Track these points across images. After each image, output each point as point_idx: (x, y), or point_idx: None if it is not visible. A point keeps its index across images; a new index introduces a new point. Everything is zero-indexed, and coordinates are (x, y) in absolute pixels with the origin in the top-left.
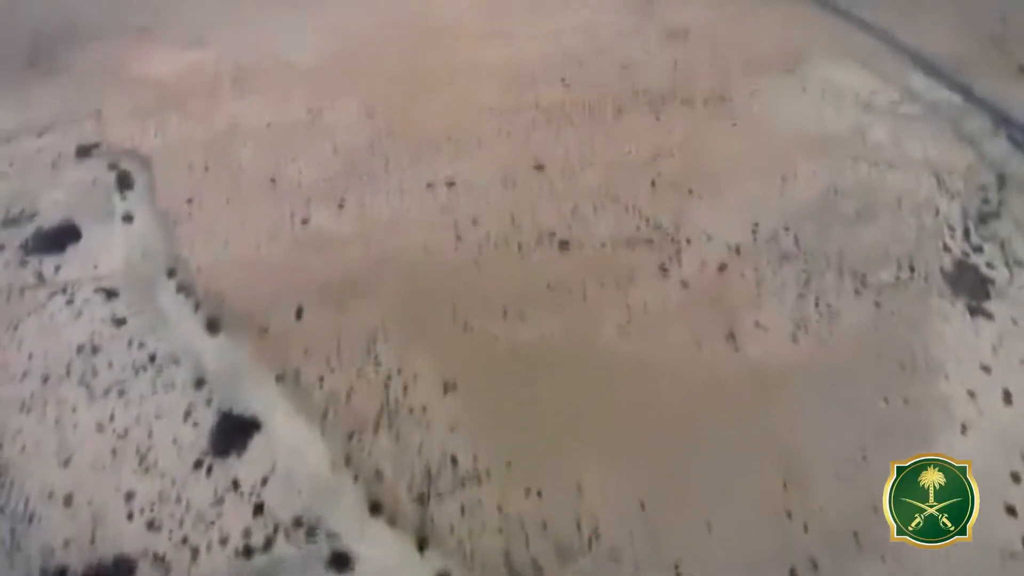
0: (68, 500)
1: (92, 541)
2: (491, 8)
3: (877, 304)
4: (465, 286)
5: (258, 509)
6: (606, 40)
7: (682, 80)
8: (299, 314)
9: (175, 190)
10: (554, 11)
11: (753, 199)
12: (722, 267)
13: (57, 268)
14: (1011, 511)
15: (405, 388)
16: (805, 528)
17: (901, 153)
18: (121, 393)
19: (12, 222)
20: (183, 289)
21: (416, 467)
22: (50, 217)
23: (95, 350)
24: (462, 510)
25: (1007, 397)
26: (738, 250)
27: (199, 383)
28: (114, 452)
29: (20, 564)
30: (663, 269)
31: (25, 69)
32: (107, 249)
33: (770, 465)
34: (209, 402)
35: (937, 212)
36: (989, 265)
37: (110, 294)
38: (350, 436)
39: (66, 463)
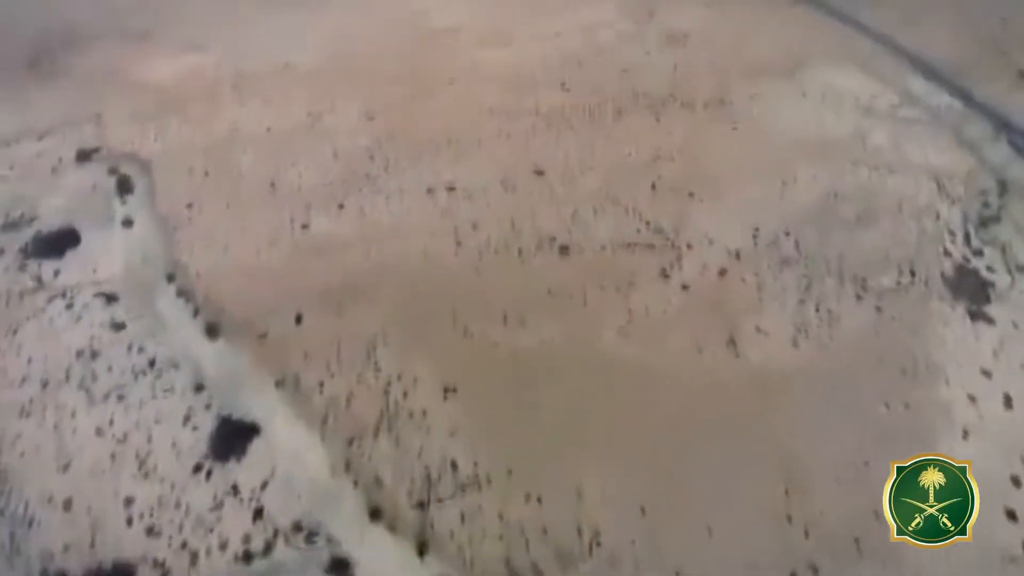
0: (67, 505)
1: (92, 546)
2: (491, 11)
3: (878, 309)
4: (465, 291)
5: (258, 514)
6: (606, 43)
7: (682, 83)
8: (299, 319)
9: (175, 195)
10: (554, 14)
11: (753, 203)
12: (723, 271)
13: (56, 272)
14: (1011, 515)
15: (405, 393)
16: (806, 533)
17: (901, 157)
18: (120, 398)
19: (12, 226)
20: (183, 294)
21: (416, 472)
22: (50, 221)
23: (94, 355)
24: (462, 516)
25: (1008, 401)
26: (739, 255)
27: (199, 388)
28: (113, 457)
29: (20, 568)
30: (664, 273)
31: (25, 73)
32: (107, 253)
33: (771, 470)
34: (209, 407)
35: (938, 217)
36: (990, 269)
37: (110, 298)
38: (350, 441)
39: (65, 468)
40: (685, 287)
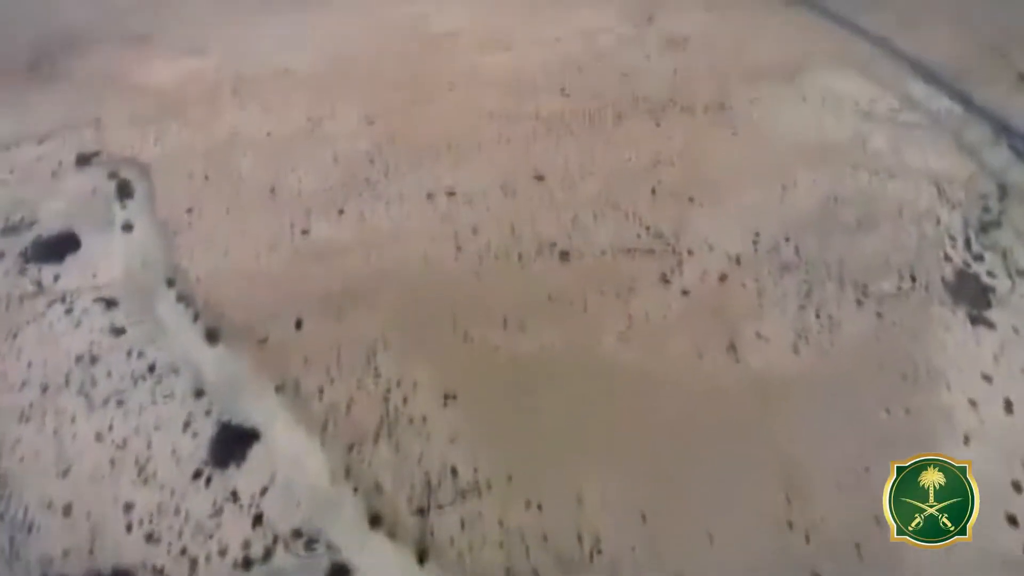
0: (67, 510)
1: (91, 552)
2: (491, 15)
3: (878, 314)
4: (465, 296)
5: (257, 520)
6: (606, 48)
7: (682, 88)
8: (299, 324)
9: (175, 199)
10: (554, 18)
11: (753, 208)
12: (723, 277)
13: (56, 277)
14: (1012, 521)
15: (405, 399)
16: (807, 539)
17: (901, 162)
18: (120, 403)
19: (11, 230)
20: (183, 299)
21: (416, 479)
22: (50, 225)
23: (94, 360)
24: (462, 522)
25: (1008, 406)
26: (739, 260)
27: (198, 393)
28: (113, 462)
29: (19, 573)
30: (664, 279)
31: (25, 76)
32: (106, 258)
33: (771, 476)
34: (208, 412)
35: (938, 221)
36: (990, 274)
37: (109, 303)
38: (350, 447)
39: (65, 473)
40: (685, 292)
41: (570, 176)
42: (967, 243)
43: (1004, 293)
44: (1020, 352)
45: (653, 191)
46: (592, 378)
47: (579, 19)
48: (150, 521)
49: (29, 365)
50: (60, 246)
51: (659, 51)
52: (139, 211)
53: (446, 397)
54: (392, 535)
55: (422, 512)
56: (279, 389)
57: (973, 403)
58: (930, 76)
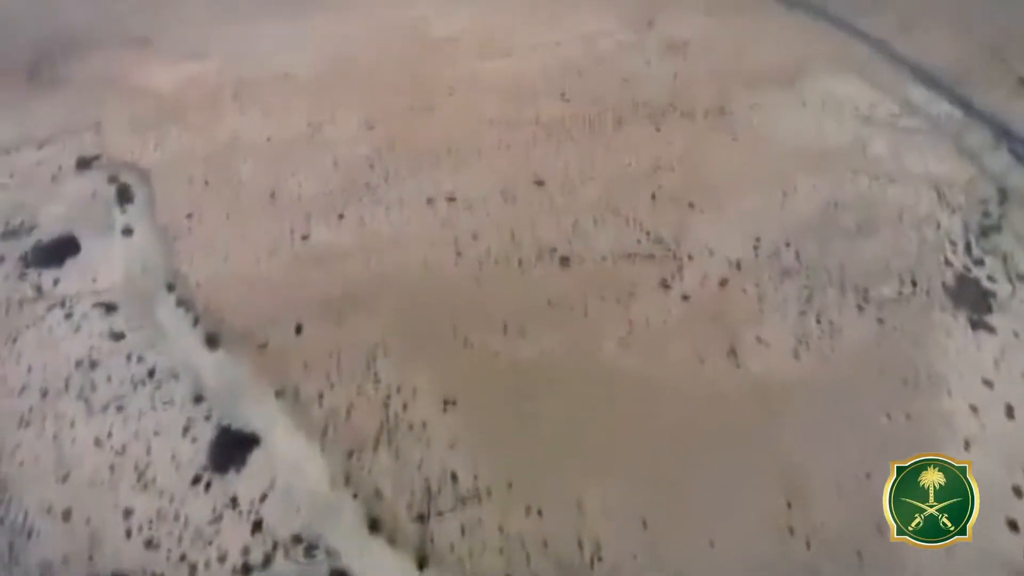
0: (66, 515)
1: (90, 558)
2: (491, 20)
3: (879, 319)
4: (465, 302)
5: (257, 526)
6: (606, 52)
7: (682, 93)
8: (299, 329)
9: (175, 204)
10: (554, 23)
11: (754, 213)
12: (723, 282)
13: (56, 281)
14: (1013, 526)
15: (405, 405)
16: (807, 544)
17: (901, 167)
18: (120, 408)
19: (11, 234)
20: (182, 304)
21: (416, 485)
22: (50, 230)
23: (94, 364)
24: (462, 529)
25: (1009, 411)
26: (739, 265)
27: (198, 398)
28: (112, 468)
29: None
30: (664, 284)
31: (25, 80)
32: (106, 263)
33: (772, 481)
34: (208, 417)
35: (938, 226)
36: (991, 279)
37: (109, 308)
38: (350, 453)
39: (64, 478)
40: (686, 298)
41: (570, 181)
42: (967, 248)
43: (1005, 298)
44: (1021, 357)
45: (653, 196)
46: (592, 384)
47: (579, 24)
48: (149, 527)
49: (29, 369)
50: (60, 250)
51: (659, 56)
52: (139, 215)
53: (446, 403)
54: (392, 541)
55: (422, 518)
56: (279, 394)
57: (974, 408)
58: (930, 80)
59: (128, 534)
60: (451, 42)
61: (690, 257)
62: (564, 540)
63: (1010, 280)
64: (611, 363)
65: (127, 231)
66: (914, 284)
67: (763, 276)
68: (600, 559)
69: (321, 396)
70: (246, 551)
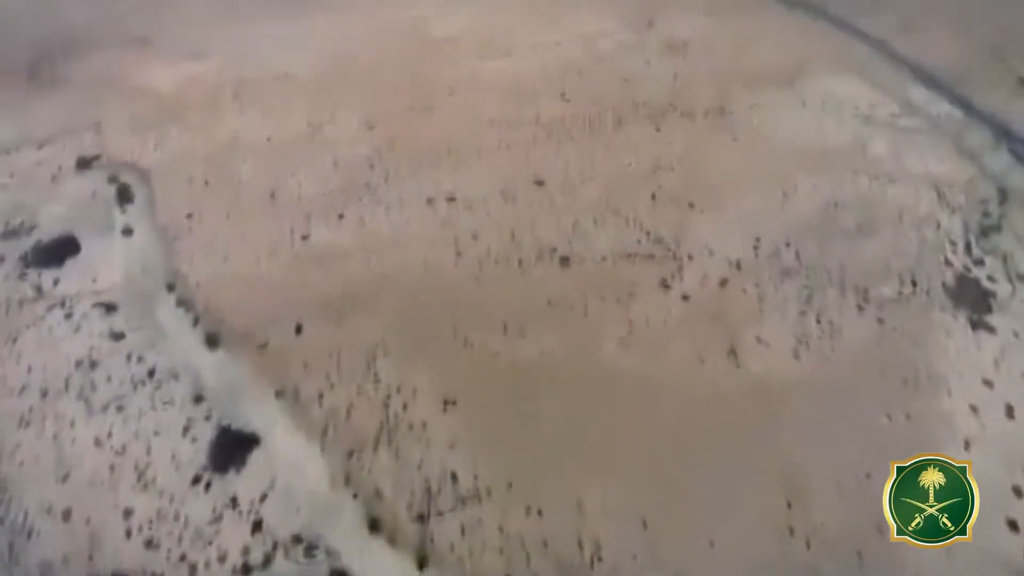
0: (67, 515)
1: (90, 558)
2: (491, 20)
3: (879, 319)
4: (465, 302)
5: (257, 526)
6: (606, 52)
7: (682, 93)
8: (299, 329)
9: (175, 204)
10: (554, 23)
11: (754, 213)
12: (723, 282)
13: (56, 281)
14: (1013, 526)
15: (405, 405)
16: (808, 544)
17: (901, 166)
18: (120, 408)
19: (12, 234)
20: (182, 303)
21: (416, 485)
22: (50, 230)
23: (94, 364)
24: (462, 529)
25: (1009, 411)
26: (739, 265)
27: (198, 398)
28: (112, 468)
29: None
30: (664, 284)
31: (25, 81)
32: (106, 262)
33: (772, 482)
34: (208, 417)
35: (938, 226)
36: (990, 279)
37: (109, 308)
38: (350, 453)
39: (64, 478)
40: (686, 298)
41: (570, 181)
42: (967, 248)
43: (1005, 298)
44: (1021, 357)
45: (653, 196)
46: (592, 384)
47: (579, 24)
48: (149, 527)
49: (29, 369)
50: (60, 250)
51: (659, 56)
52: (139, 215)
53: (446, 403)
54: (392, 541)
55: (422, 518)
56: (279, 394)
57: (974, 408)
58: (930, 80)
59: (128, 534)
60: (451, 42)
61: (690, 257)
62: (564, 540)
63: (1010, 280)
64: (611, 363)
65: (127, 231)
66: (914, 284)
67: (763, 276)
68: (600, 559)
69: (321, 396)
70: (246, 551)
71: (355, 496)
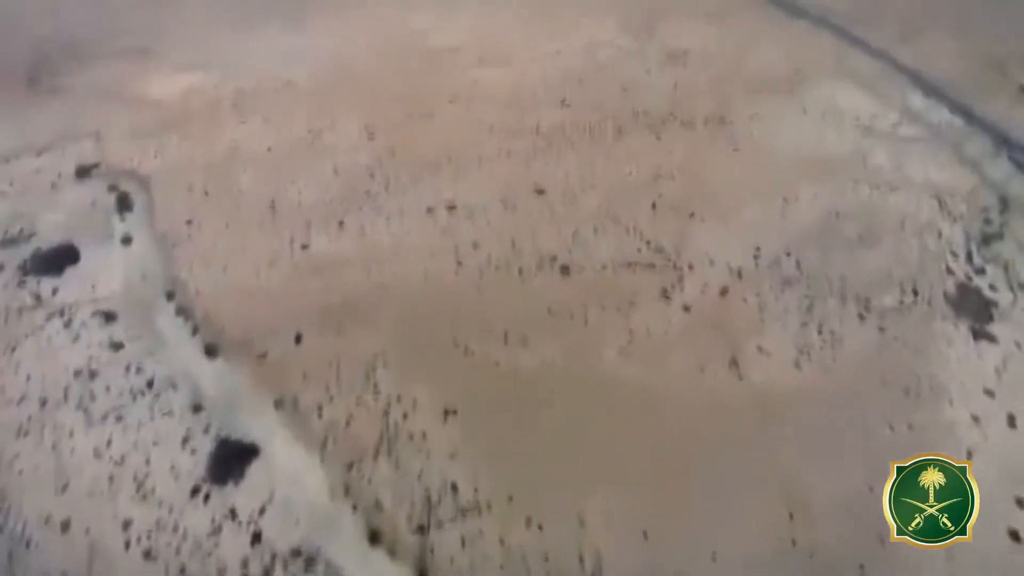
0: (65, 526)
1: (89, 571)
2: (491, 28)
3: (880, 329)
4: (466, 311)
5: (256, 538)
6: (606, 61)
7: (682, 102)
8: (298, 339)
9: (174, 212)
10: (554, 32)
11: (755, 222)
12: (724, 291)
13: (55, 290)
14: (1015, 536)
15: (405, 415)
16: (810, 556)
17: (902, 175)
18: (119, 418)
19: (10, 242)
20: (182, 312)
21: (416, 496)
22: (49, 238)
23: (93, 374)
24: (463, 541)
25: (1011, 421)
26: (740, 274)
27: (197, 409)
28: (111, 478)
29: None
30: (665, 293)
31: (25, 89)
32: (106, 271)
33: (774, 493)
34: (207, 428)
35: (940, 235)
36: (992, 287)
37: (108, 317)
38: (349, 464)
39: (63, 489)
40: (686, 307)
41: (571, 190)
42: (969, 256)
43: (1006, 307)
44: (1023, 366)
45: (654, 205)
46: (593, 393)
47: (580, 32)
48: (148, 538)
49: (28, 379)
50: (59, 259)
51: (659, 64)
52: (138, 224)
53: (446, 413)
54: (392, 553)
55: (422, 530)
56: (278, 405)
57: (976, 418)
58: (930, 89)
59: (127, 545)
60: (451, 50)
61: (691, 266)
62: (565, 553)
63: (1012, 289)
64: (612, 372)
65: (126, 239)
66: (915, 293)
67: (764, 285)
68: (601, 571)
69: (320, 407)
70: (245, 563)
71: (355, 507)
